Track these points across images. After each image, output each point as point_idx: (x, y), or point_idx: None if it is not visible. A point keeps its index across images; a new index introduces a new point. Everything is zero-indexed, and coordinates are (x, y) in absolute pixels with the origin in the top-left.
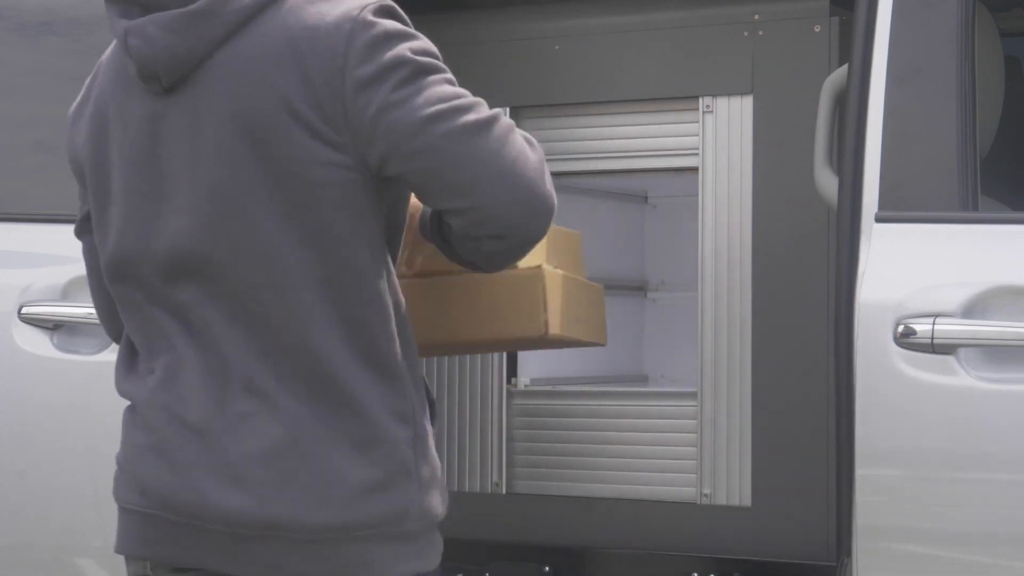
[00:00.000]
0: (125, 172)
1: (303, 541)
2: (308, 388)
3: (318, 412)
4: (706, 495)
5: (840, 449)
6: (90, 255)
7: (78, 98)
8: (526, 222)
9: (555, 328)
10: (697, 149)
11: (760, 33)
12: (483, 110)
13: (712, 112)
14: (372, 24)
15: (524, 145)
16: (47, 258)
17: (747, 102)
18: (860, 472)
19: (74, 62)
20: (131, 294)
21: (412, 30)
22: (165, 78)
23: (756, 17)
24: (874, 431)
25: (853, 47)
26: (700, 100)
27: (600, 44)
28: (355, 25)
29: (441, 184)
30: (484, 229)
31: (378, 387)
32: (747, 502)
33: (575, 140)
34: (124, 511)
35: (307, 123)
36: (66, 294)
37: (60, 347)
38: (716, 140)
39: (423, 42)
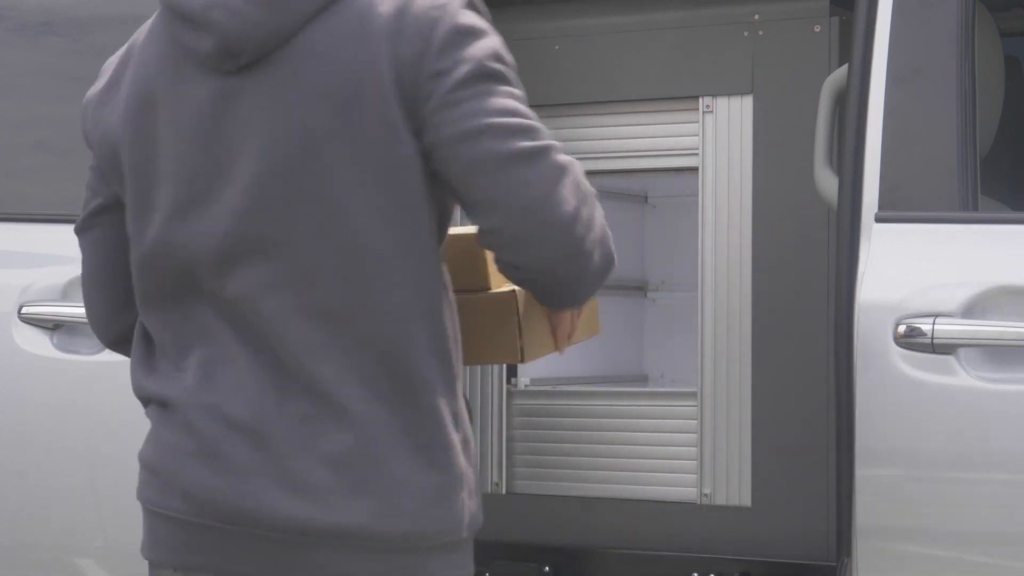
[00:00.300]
0: (180, 154)
1: (367, 549)
2: (376, 386)
3: (385, 412)
4: (706, 495)
5: (840, 449)
6: (93, 251)
7: (101, 82)
8: (551, 265)
9: (532, 356)
10: (697, 149)
11: (760, 33)
12: (538, 137)
13: (712, 112)
14: (457, 15)
15: (568, 187)
16: (47, 258)
17: (747, 102)
18: (860, 472)
19: (74, 62)
20: (167, 285)
21: (493, 31)
22: (249, 54)
23: (756, 17)
24: (874, 431)
25: (853, 47)
26: (700, 100)
27: (600, 44)
28: (443, 14)
29: (469, 196)
30: (502, 254)
31: (443, 387)
32: (747, 502)
33: (575, 140)
34: (156, 516)
35: (394, 104)
36: (66, 294)
37: (60, 347)
38: (716, 140)
39: (501, 47)
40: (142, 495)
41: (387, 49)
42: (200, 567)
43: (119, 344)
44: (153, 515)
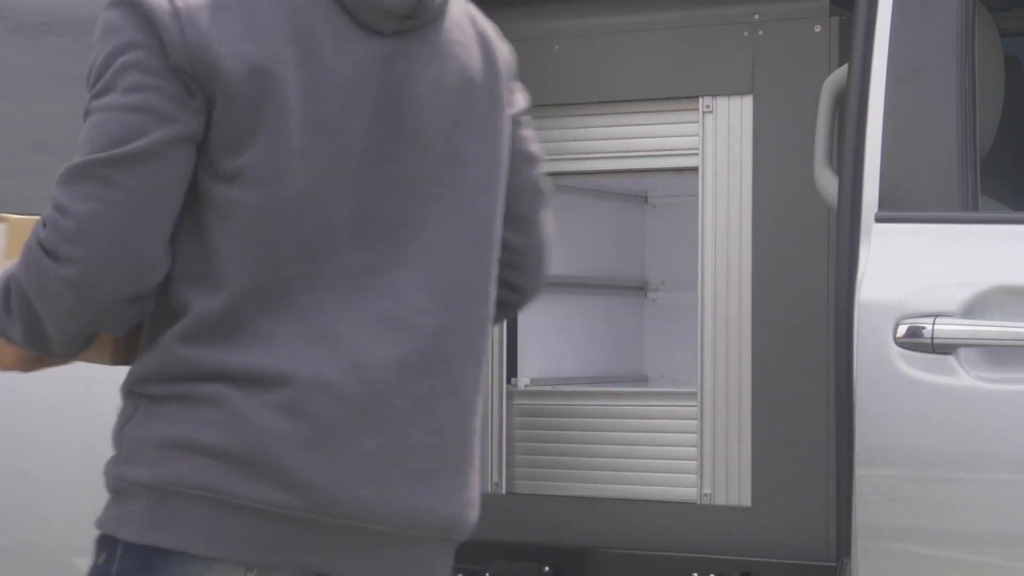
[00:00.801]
0: (342, 108)
1: (448, 542)
2: (476, 369)
3: (473, 396)
4: (706, 495)
5: (840, 449)
6: (156, 180)
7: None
8: (532, 295)
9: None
10: (697, 149)
11: (760, 33)
12: None
13: (712, 112)
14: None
15: None
16: None
17: (747, 102)
18: (860, 472)
19: (74, 62)
20: (279, 238)
21: None
22: (421, 18)
23: (756, 17)
24: (874, 431)
25: (853, 47)
26: (700, 100)
27: (600, 44)
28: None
29: (509, 211)
30: (513, 275)
31: None
32: (747, 502)
33: (575, 140)
34: (229, 507)
35: (505, 102)
36: None
37: None
38: (716, 140)
39: None
40: (205, 484)
41: (496, 52)
42: (290, 565)
43: (125, 303)
44: (224, 506)
